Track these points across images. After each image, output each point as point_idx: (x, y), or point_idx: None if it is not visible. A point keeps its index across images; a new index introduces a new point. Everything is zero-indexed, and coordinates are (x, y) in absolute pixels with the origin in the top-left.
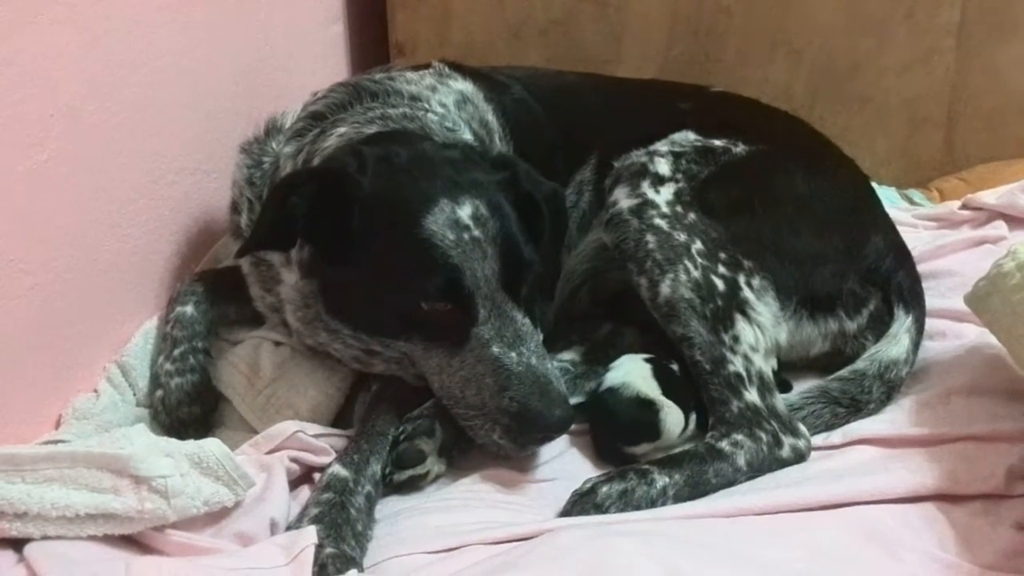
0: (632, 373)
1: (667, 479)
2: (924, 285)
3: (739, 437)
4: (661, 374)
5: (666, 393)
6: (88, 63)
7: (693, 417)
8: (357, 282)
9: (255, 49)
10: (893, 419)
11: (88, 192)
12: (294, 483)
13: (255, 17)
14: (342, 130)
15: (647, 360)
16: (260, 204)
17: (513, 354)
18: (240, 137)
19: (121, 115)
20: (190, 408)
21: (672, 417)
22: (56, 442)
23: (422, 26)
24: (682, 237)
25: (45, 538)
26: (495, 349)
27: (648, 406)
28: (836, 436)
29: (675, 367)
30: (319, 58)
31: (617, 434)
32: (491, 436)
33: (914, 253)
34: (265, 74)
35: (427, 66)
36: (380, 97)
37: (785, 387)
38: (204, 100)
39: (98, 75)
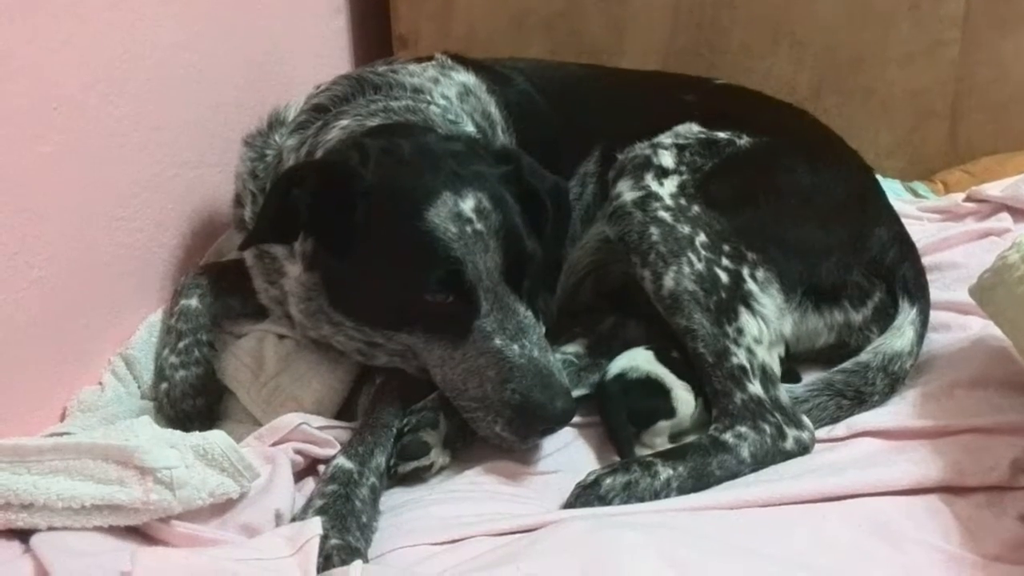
0: (637, 358)
1: (671, 471)
2: (928, 277)
3: (743, 429)
4: (664, 359)
5: (672, 371)
6: (91, 56)
7: (700, 400)
8: (360, 275)
9: (258, 42)
10: (897, 411)
11: (91, 185)
12: (298, 475)
13: (258, 10)
14: (345, 123)
15: (648, 348)
16: (263, 197)
17: (515, 346)
18: (243, 130)
19: (124, 108)
20: (194, 401)
21: (682, 395)
22: (61, 434)
23: (425, 18)
24: (686, 229)
25: (51, 529)
26: (497, 341)
27: (658, 385)
28: (840, 428)
29: (676, 355)
30: (322, 51)
31: (631, 416)
32: (493, 428)
33: (918, 245)
34: (268, 67)
35: (430, 58)
36: (383, 90)
37: (794, 377)
38: (207, 93)
39: (101, 68)
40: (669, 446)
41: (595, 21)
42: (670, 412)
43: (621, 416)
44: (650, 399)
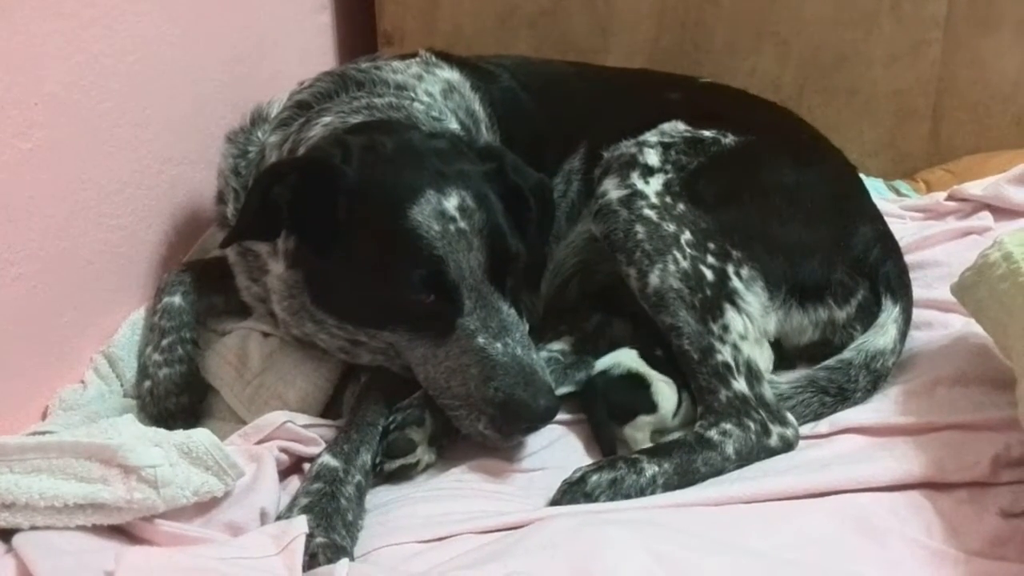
0: (620, 355)
1: (656, 468)
2: (911, 275)
3: (727, 426)
4: (647, 356)
5: (656, 368)
6: (73, 52)
7: (686, 395)
8: (342, 272)
9: (242, 38)
10: (880, 408)
11: (74, 182)
12: (283, 473)
13: (243, 6)
14: (327, 120)
15: (633, 348)
16: (246, 194)
17: (498, 344)
18: (226, 126)
19: (106, 104)
20: (178, 398)
21: (664, 390)
22: (43, 433)
23: (410, 15)
24: (671, 228)
25: (34, 528)
26: (480, 340)
27: (639, 380)
28: (823, 425)
29: (659, 353)
30: (306, 47)
31: (613, 411)
32: (476, 426)
33: (901, 244)
34: (252, 63)
35: (413, 55)
36: (366, 86)
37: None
38: (190, 89)
39: (83, 64)
40: (649, 444)
41: (580, 19)
42: (651, 407)
43: (602, 412)
44: (630, 393)
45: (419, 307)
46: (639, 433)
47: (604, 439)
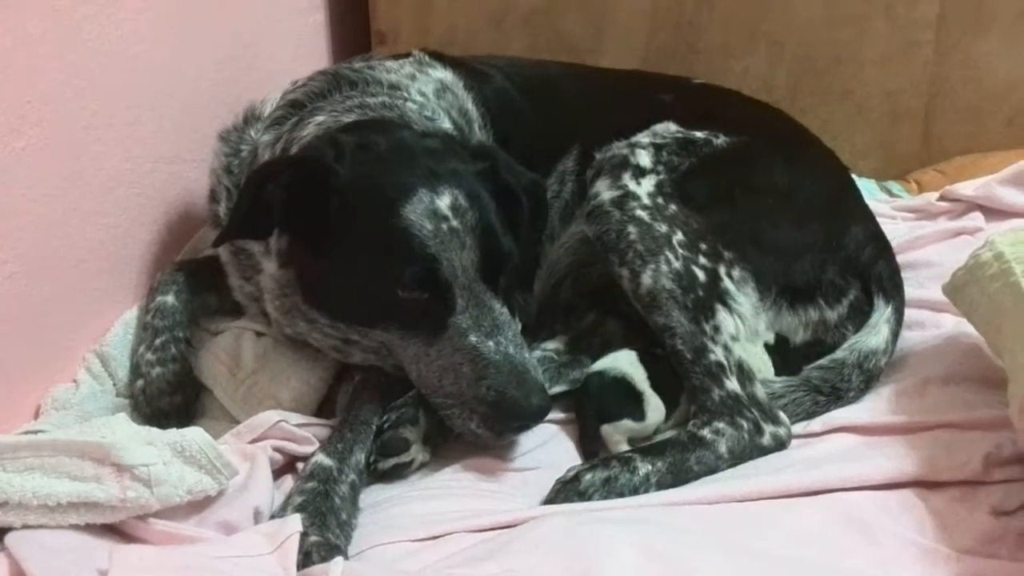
0: (619, 357)
1: (650, 467)
2: (903, 275)
3: (720, 425)
4: (647, 359)
5: (653, 376)
6: (65, 50)
7: (680, 409)
8: (334, 271)
9: (235, 37)
10: (872, 407)
11: (66, 180)
12: (277, 473)
13: (236, 5)
14: (320, 119)
15: (633, 349)
16: (238, 193)
17: (491, 343)
18: (219, 125)
19: (99, 102)
20: (171, 398)
21: (654, 403)
22: (35, 432)
23: (404, 15)
24: (663, 228)
25: (26, 527)
26: (472, 338)
27: (631, 388)
28: (816, 424)
29: (659, 351)
30: (300, 47)
31: (601, 410)
32: (469, 425)
33: (893, 244)
34: (245, 62)
35: (407, 55)
36: (359, 86)
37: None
38: (183, 88)
39: (76, 62)
40: (625, 447)
41: (574, 19)
42: (639, 415)
43: (591, 413)
44: (621, 399)
45: (411, 305)
46: (618, 435)
47: (588, 439)
